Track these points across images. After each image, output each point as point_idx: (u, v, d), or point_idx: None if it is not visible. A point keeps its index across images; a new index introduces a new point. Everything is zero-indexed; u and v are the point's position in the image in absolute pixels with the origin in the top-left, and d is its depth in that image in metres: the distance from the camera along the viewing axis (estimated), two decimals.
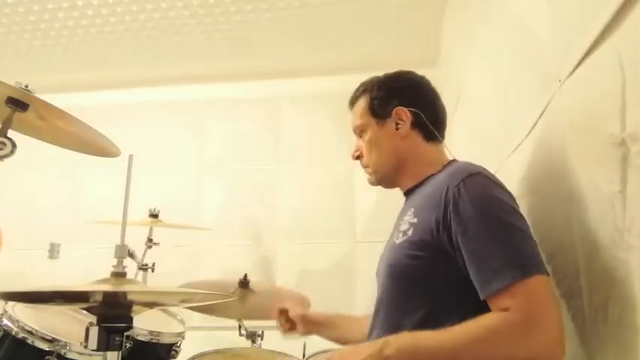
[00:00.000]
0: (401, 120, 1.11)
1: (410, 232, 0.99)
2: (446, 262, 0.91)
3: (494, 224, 0.87)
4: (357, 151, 1.19)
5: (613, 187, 0.71)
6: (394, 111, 1.11)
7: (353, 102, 1.20)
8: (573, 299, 0.91)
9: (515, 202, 0.94)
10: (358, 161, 1.20)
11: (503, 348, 0.78)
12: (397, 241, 1.02)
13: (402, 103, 1.12)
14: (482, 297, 0.83)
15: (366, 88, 1.18)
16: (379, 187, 1.21)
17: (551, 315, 0.78)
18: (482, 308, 0.84)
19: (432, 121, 1.12)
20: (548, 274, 0.83)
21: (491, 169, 1.53)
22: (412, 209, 1.03)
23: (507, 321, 0.78)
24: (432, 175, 1.08)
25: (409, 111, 1.11)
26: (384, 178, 1.16)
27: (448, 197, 0.92)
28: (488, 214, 0.88)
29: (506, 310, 0.80)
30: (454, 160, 1.13)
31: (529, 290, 0.79)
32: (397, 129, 1.11)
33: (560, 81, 0.92)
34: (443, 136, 1.16)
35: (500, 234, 0.85)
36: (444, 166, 1.08)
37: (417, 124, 1.11)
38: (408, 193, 1.15)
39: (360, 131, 1.17)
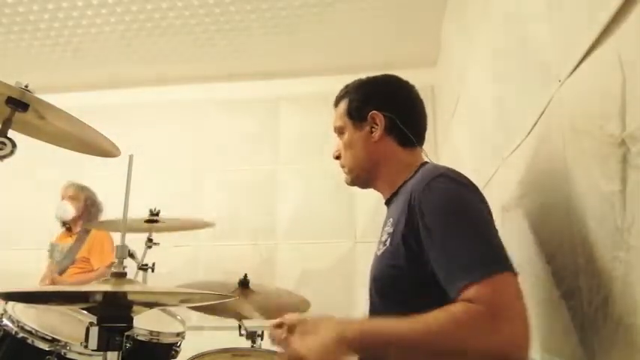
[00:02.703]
0: (375, 124, 1.12)
1: (387, 243, 1.00)
2: (421, 268, 0.90)
3: (457, 224, 0.86)
4: (336, 150, 1.21)
5: (613, 187, 0.71)
6: (369, 115, 1.13)
7: (336, 103, 1.22)
8: (573, 299, 0.91)
9: (482, 199, 0.94)
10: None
11: (465, 338, 0.77)
12: (379, 253, 1.04)
13: (377, 107, 1.13)
14: (450, 296, 0.83)
15: (348, 90, 1.20)
16: None
17: (515, 310, 0.77)
18: None
19: (408, 127, 1.13)
20: (513, 271, 0.81)
21: (491, 169, 1.55)
22: (391, 219, 1.04)
23: (471, 312, 0.77)
24: (406, 182, 1.08)
25: (384, 116, 1.12)
26: (358, 179, 1.19)
27: (414, 203, 0.92)
28: (450, 214, 0.88)
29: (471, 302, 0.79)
30: (425, 163, 1.13)
31: (494, 286, 0.78)
32: (371, 133, 1.13)
33: (560, 81, 0.92)
34: (421, 142, 1.16)
35: (463, 233, 0.85)
36: (416, 171, 1.09)
37: (391, 129, 1.12)
38: (388, 203, 1.15)
39: (339, 132, 1.20)
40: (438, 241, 0.87)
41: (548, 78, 0.98)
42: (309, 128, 3.35)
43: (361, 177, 1.18)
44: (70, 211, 2.90)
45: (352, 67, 3.17)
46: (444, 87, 2.72)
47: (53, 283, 2.72)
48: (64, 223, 2.98)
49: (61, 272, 2.82)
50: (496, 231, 0.88)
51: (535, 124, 1.11)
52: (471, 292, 0.78)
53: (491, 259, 0.82)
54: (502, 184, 1.41)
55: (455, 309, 0.79)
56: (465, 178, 0.96)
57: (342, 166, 1.21)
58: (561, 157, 0.93)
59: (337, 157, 1.21)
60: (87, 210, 2.97)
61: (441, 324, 0.78)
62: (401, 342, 0.81)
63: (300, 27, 2.95)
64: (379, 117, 1.12)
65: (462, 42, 2.20)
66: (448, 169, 0.99)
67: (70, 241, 2.95)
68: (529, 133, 1.16)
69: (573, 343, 0.91)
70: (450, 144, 2.40)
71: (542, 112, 1.05)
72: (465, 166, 2.02)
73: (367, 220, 3.12)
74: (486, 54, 1.67)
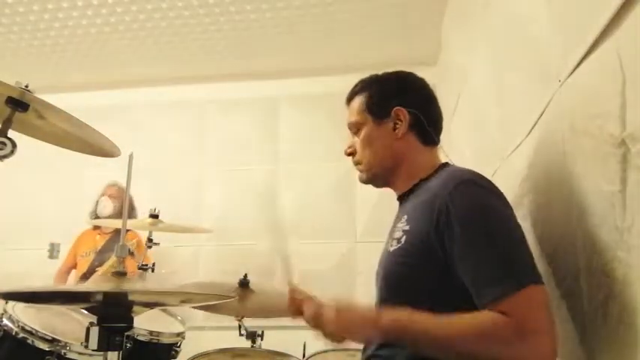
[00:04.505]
0: (399, 120, 1.10)
1: (403, 240, 0.98)
2: (439, 270, 0.90)
3: (487, 235, 0.86)
4: (350, 147, 1.17)
5: (613, 187, 0.71)
6: (393, 111, 1.10)
7: (350, 98, 1.18)
8: (573, 299, 0.91)
9: (509, 207, 0.93)
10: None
11: (492, 349, 0.79)
12: (391, 249, 1.02)
13: (401, 103, 1.10)
14: (479, 306, 0.84)
15: (365, 86, 1.16)
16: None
17: (544, 327, 0.78)
18: None
19: (430, 124, 1.11)
20: (542, 283, 0.82)
21: (491, 169, 1.55)
22: (405, 216, 1.02)
23: (502, 324, 0.78)
24: (423, 180, 1.07)
25: (408, 112, 1.09)
26: (376, 177, 1.15)
27: (440, 206, 0.91)
28: (480, 224, 0.87)
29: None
30: (446, 164, 1.11)
31: (524, 300, 0.79)
32: (395, 129, 1.10)
33: (560, 81, 0.92)
34: (439, 140, 1.15)
35: (494, 244, 0.85)
36: (436, 171, 1.08)
37: (414, 126, 1.10)
38: (401, 199, 1.14)
39: (355, 128, 1.16)
40: (466, 252, 0.86)
41: (548, 78, 0.98)
42: (309, 128, 3.35)
43: (379, 174, 1.14)
44: (108, 208, 2.97)
45: (352, 67, 3.17)
46: (444, 86, 2.71)
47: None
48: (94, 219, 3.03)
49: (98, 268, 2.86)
50: (524, 237, 0.88)
51: (535, 124, 1.11)
52: (504, 304, 0.79)
53: (519, 272, 0.82)
54: (502, 184, 1.41)
55: (487, 317, 0.80)
56: (490, 182, 0.95)
57: (358, 163, 1.16)
58: (561, 157, 0.93)
59: (350, 154, 1.17)
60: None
61: (471, 331, 0.80)
62: (428, 338, 0.84)
63: (300, 27, 2.94)
64: (403, 113, 1.09)
65: (462, 41, 2.20)
66: (473, 173, 0.97)
67: (99, 238, 3.01)
68: (529, 133, 1.16)
69: (573, 343, 0.91)
70: (450, 144, 2.40)
71: (543, 112, 1.05)
72: (465, 166, 2.01)
73: (367, 220, 3.12)
74: (486, 54, 1.67)
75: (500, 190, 0.95)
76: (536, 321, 0.78)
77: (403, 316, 0.86)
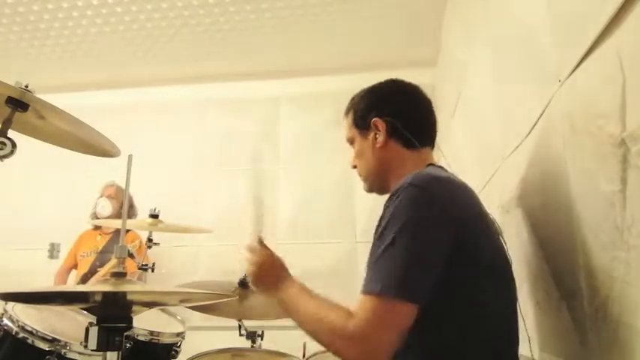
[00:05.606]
0: (378, 130, 1.15)
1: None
2: None
3: (388, 237, 0.88)
4: (352, 161, 1.25)
5: (613, 187, 0.71)
6: (372, 122, 1.15)
7: (346, 114, 1.25)
8: (573, 299, 0.91)
9: (440, 220, 0.89)
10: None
11: (331, 342, 0.88)
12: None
13: (378, 113, 1.15)
14: None
15: (354, 102, 1.23)
16: None
17: (380, 343, 0.82)
18: (452, 311, 0.89)
19: (410, 128, 1.14)
20: (413, 302, 0.83)
21: (491, 169, 1.55)
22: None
23: (344, 324, 0.85)
24: None
25: (384, 120, 1.14)
26: (373, 185, 1.21)
27: (385, 205, 0.95)
28: (389, 226, 0.89)
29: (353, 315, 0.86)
30: (428, 166, 1.13)
31: (378, 310, 0.83)
32: (376, 139, 1.15)
33: (560, 81, 0.92)
34: (427, 142, 1.17)
35: (388, 248, 0.87)
36: None
37: (394, 133, 1.14)
38: None
39: (350, 143, 1.23)
40: (371, 249, 0.92)
41: (548, 78, 0.98)
42: (309, 128, 3.35)
43: (375, 182, 1.20)
44: (107, 208, 2.96)
45: (352, 67, 3.18)
46: (444, 87, 2.72)
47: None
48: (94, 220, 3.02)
49: (100, 268, 2.87)
50: (422, 255, 0.87)
51: (535, 124, 1.11)
52: (358, 303, 0.85)
53: (390, 282, 0.84)
54: (502, 184, 1.41)
55: (338, 315, 0.88)
56: (437, 190, 0.93)
57: (359, 175, 1.23)
58: (561, 157, 0.93)
59: (354, 167, 1.24)
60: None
61: (323, 320, 0.90)
62: (298, 311, 0.99)
63: (300, 27, 2.95)
64: (380, 122, 1.14)
65: (462, 42, 2.20)
66: (423, 177, 0.95)
67: (100, 239, 3.01)
68: (529, 133, 1.16)
69: (573, 343, 0.91)
70: (450, 144, 2.40)
71: (543, 112, 1.05)
72: (465, 166, 2.02)
73: (367, 220, 3.12)
74: (486, 54, 1.67)
75: (444, 197, 0.92)
76: (376, 335, 0.83)
77: (295, 291, 1.05)
